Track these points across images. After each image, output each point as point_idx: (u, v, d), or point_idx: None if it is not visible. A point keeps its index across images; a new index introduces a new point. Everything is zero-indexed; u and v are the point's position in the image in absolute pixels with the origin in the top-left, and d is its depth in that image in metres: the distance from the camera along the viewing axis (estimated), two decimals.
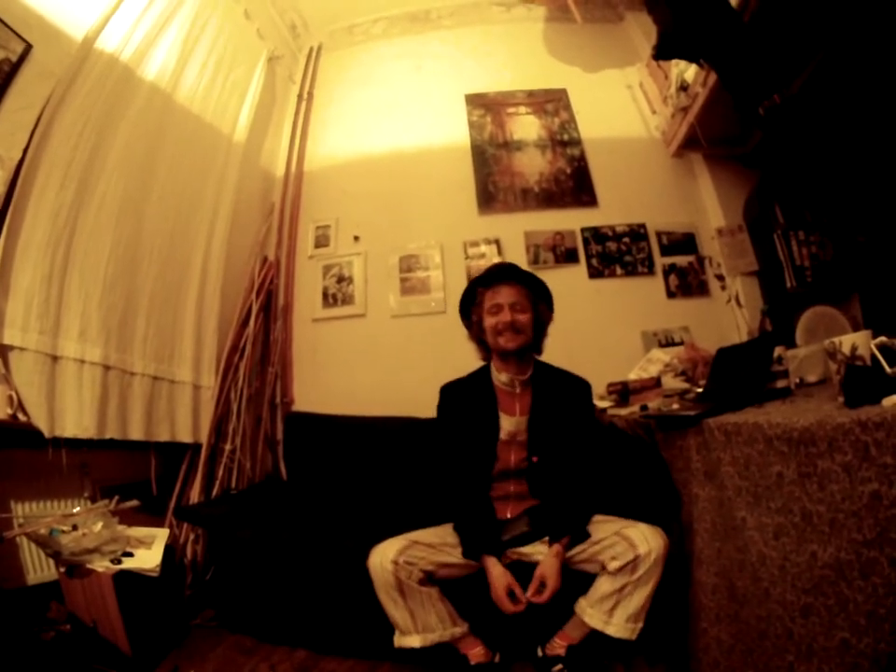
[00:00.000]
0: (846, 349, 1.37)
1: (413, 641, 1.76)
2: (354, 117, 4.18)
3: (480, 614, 1.89)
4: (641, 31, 2.97)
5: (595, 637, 1.77)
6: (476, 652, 1.85)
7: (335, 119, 4.22)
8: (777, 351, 1.80)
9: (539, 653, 1.87)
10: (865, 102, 2.83)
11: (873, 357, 1.18)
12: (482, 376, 2.12)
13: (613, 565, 1.69)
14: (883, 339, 1.22)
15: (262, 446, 3.33)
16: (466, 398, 2.08)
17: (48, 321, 2.32)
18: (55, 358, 2.33)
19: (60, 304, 2.38)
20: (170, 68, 3.06)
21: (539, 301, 2.08)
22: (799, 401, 1.55)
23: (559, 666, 1.79)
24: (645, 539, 1.68)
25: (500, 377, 2.06)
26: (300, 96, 4.26)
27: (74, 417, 2.34)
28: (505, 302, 1.99)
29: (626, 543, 1.70)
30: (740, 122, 2.50)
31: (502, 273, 2.09)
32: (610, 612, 1.70)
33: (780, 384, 1.74)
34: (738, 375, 1.80)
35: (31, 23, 2.37)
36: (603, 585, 1.73)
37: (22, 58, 2.33)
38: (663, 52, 2.77)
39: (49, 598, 2.15)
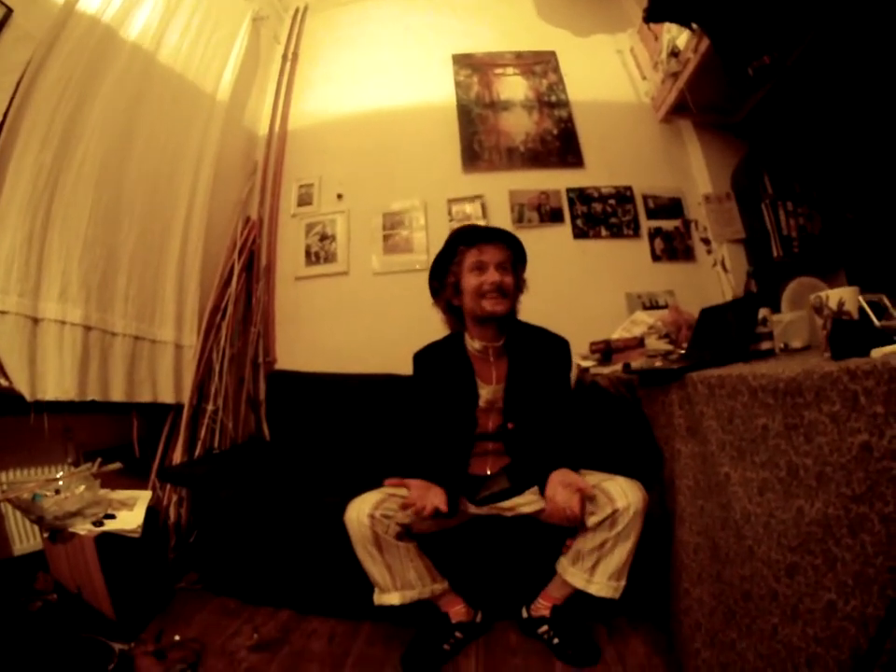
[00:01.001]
0: (832, 304, 1.34)
1: (393, 598, 1.75)
2: (339, 77, 4.11)
3: (460, 572, 1.90)
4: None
5: (578, 596, 1.77)
6: (457, 610, 1.84)
7: (320, 78, 4.15)
8: (763, 312, 1.77)
9: (524, 614, 1.87)
10: (858, 82, 2.79)
11: (861, 310, 1.15)
12: (454, 342, 2.05)
13: (592, 520, 1.67)
14: (869, 295, 1.19)
15: (245, 407, 3.29)
16: (440, 365, 2.03)
17: (28, 283, 2.27)
18: (36, 321, 2.29)
19: (40, 266, 2.33)
20: (153, 28, 3.00)
21: (520, 266, 2.02)
22: (784, 359, 1.54)
23: (545, 627, 1.79)
24: (623, 493, 1.66)
25: (474, 344, 1.99)
26: (284, 56, 4.16)
27: (55, 379, 2.30)
28: (490, 261, 1.90)
29: (604, 497, 1.67)
30: (730, 86, 2.47)
31: (489, 231, 1.99)
32: (592, 570, 1.69)
33: (764, 345, 1.71)
34: (722, 334, 1.76)
35: None
36: (583, 542, 1.71)
37: (3, 23, 2.26)
38: (654, 14, 2.76)
39: (36, 569, 2.12)
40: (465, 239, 1.96)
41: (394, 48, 4.12)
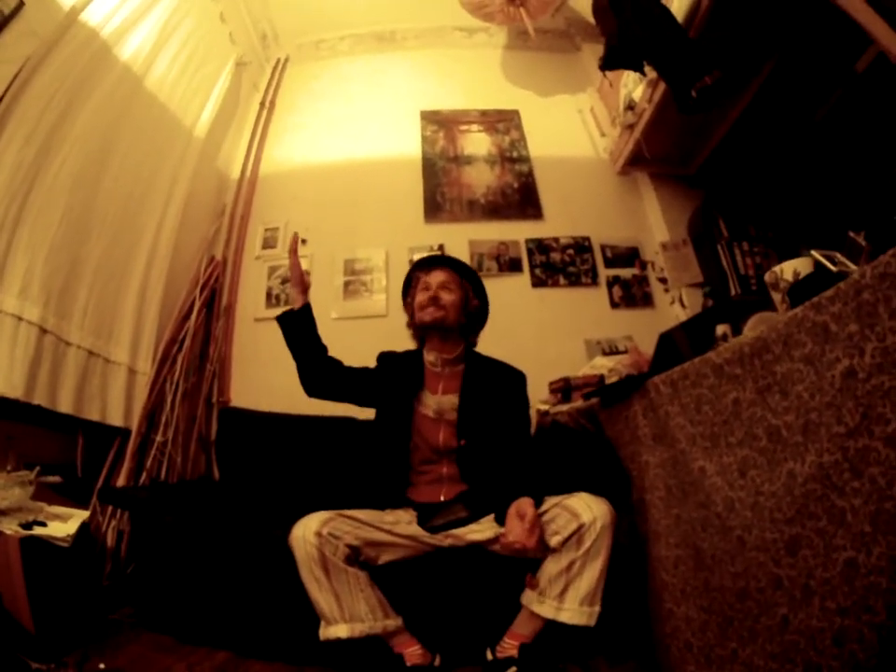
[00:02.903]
0: (788, 276, 1.30)
1: (340, 631, 1.56)
2: (312, 127, 4.20)
3: (416, 610, 1.72)
4: (595, 59, 2.98)
5: (549, 632, 1.61)
6: (412, 652, 1.64)
7: (294, 127, 4.23)
8: (722, 329, 1.70)
9: (489, 656, 1.67)
10: (803, 126, 3.02)
11: (816, 264, 1.08)
12: (415, 354, 2.15)
13: (556, 539, 1.55)
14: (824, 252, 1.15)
15: (195, 445, 3.15)
16: (396, 369, 2.10)
17: None
18: None
19: (6, 259, 2.29)
20: (144, 53, 3.11)
21: (468, 287, 2.14)
22: None
23: (513, 669, 1.58)
24: (588, 507, 1.54)
25: (428, 357, 2.09)
26: (262, 104, 4.28)
27: (3, 373, 2.20)
28: (433, 282, 2.07)
29: (568, 514, 1.56)
30: (680, 111, 2.61)
31: (436, 259, 2.21)
32: (561, 597, 1.54)
33: None
34: (679, 352, 1.70)
35: None
36: (549, 567, 1.57)
37: (14, 13, 2.36)
38: (609, 62, 2.89)
39: None
40: (419, 265, 2.20)
41: (366, 102, 4.26)
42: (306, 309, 2.10)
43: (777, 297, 1.33)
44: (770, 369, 0.97)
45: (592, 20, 2.95)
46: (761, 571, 1.03)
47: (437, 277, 2.08)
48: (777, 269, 1.32)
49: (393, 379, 2.05)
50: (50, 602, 1.85)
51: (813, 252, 1.15)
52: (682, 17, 2.57)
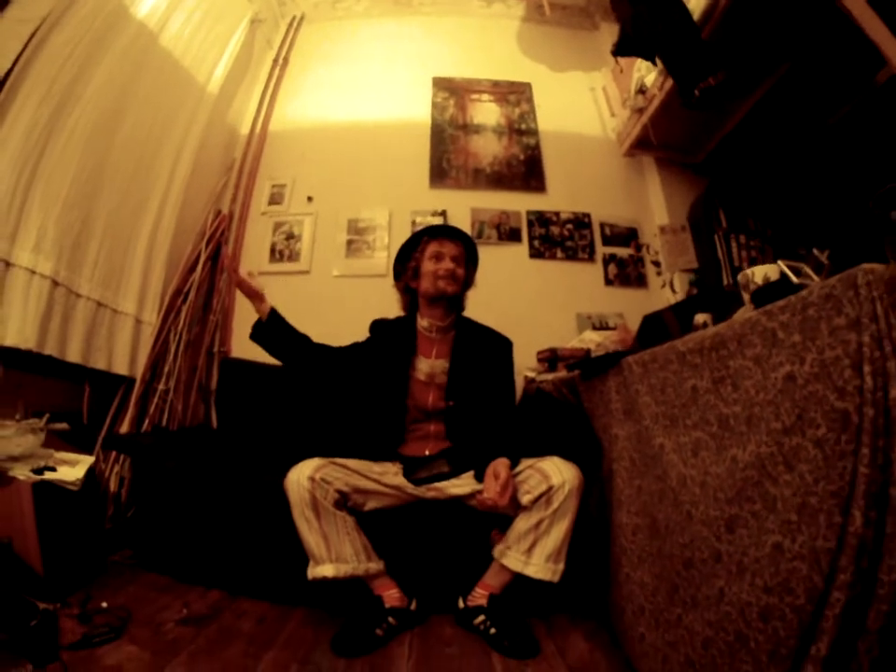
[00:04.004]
0: (758, 279, 1.39)
1: (327, 570, 1.70)
2: (324, 87, 4.20)
3: (397, 558, 1.86)
4: (612, 40, 2.99)
5: (517, 585, 1.75)
6: (391, 594, 1.80)
7: (306, 86, 4.23)
8: (703, 317, 1.79)
9: (461, 604, 1.82)
10: (812, 127, 3.06)
11: (781, 273, 1.18)
12: (408, 320, 2.23)
13: (527, 498, 1.69)
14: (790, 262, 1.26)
15: (196, 394, 3.24)
16: (389, 334, 2.21)
17: (7, 228, 2.29)
18: (8, 265, 2.29)
19: (21, 214, 2.35)
20: (160, 10, 3.12)
21: (470, 265, 2.23)
22: None
23: (481, 617, 1.73)
24: (558, 471, 1.69)
25: (422, 322, 2.18)
26: (275, 60, 4.25)
27: (17, 325, 2.29)
28: (448, 253, 2.13)
29: (540, 475, 1.70)
30: (684, 106, 2.66)
31: (450, 229, 2.23)
32: (529, 552, 1.68)
33: None
34: (658, 337, 1.80)
35: None
36: (519, 523, 1.71)
37: None
38: (622, 50, 2.94)
39: None
40: (429, 232, 2.20)
41: (378, 65, 4.24)
42: (273, 315, 2.10)
43: (746, 297, 1.44)
44: (725, 363, 1.08)
45: None
46: (704, 544, 1.14)
47: (451, 249, 2.14)
48: (748, 272, 1.42)
49: (388, 345, 2.14)
50: (58, 545, 1.94)
51: (780, 262, 1.25)
52: (699, 14, 2.59)
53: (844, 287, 0.82)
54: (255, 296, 2.05)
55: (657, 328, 1.85)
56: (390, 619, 1.73)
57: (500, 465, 1.73)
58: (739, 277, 1.48)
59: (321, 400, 2.83)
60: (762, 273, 1.38)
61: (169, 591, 2.05)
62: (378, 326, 2.27)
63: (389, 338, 2.18)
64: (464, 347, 2.12)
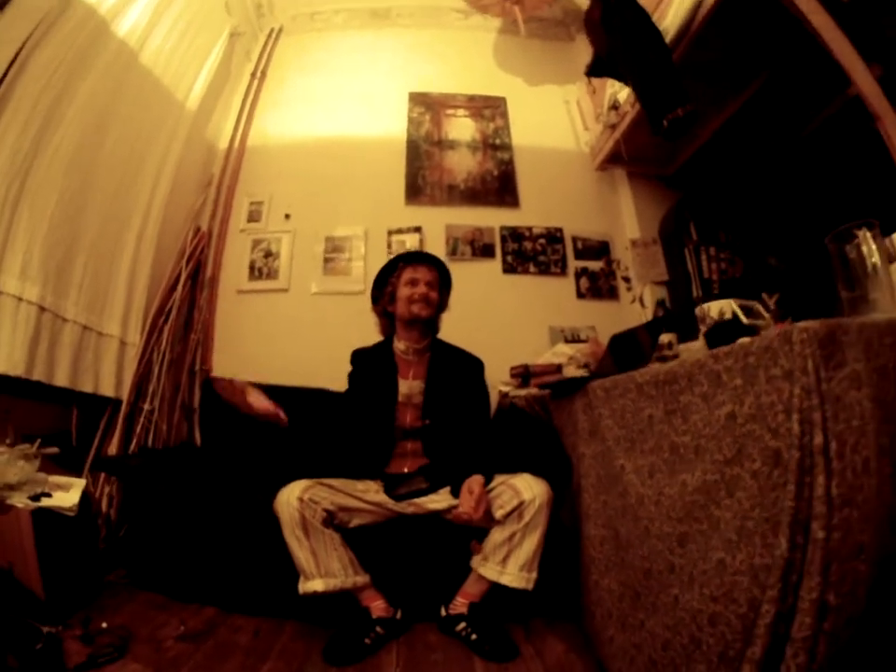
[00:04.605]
0: (714, 314, 1.55)
1: (317, 585, 1.83)
2: (301, 101, 4.27)
3: (381, 571, 1.98)
4: (588, 52, 3.08)
5: (494, 594, 1.89)
6: (378, 605, 1.93)
7: (283, 100, 4.29)
8: (668, 337, 1.96)
9: (443, 613, 1.96)
10: (794, 136, 3.17)
11: (733, 313, 1.31)
12: (385, 346, 2.37)
13: (500, 513, 1.83)
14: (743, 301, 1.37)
15: (179, 413, 3.32)
16: (370, 363, 2.33)
17: None
18: None
19: (6, 240, 2.40)
20: (141, 27, 3.17)
21: (444, 289, 2.37)
22: None
23: (462, 624, 1.87)
24: (529, 487, 1.84)
25: (399, 345, 2.32)
26: (253, 74, 4.31)
27: (5, 352, 2.35)
28: (422, 279, 2.28)
29: (511, 491, 1.85)
30: (654, 135, 2.73)
31: (424, 255, 2.42)
32: (503, 562, 1.82)
33: None
34: (626, 355, 1.94)
35: None
36: (494, 536, 1.86)
37: None
38: (595, 71, 3.09)
39: None
40: (405, 258, 2.37)
41: (356, 79, 4.31)
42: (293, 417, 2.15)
43: (702, 329, 1.58)
44: (676, 397, 1.22)
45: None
46: (660, 557, 1.29)
47: (425, 275, 2.28)
48: (705, 306, 1.59)
49: (371, 371, 2.28)
50: (57, 568, 2.01)
51: (732, 302, 1.39)
52: (674, 33, 2.70)
53: (781, 342, 0.95)
54: (276, 414, 2.10)
55: (631, 345, 2.00)
56: (378, 628, 1.85)
57: (474, 482, 1.88)
58: (696, 311, 1.63)
59: (306, 422, 2.94)
60: (717, 308, 1.53)
61: (165, 609, 2.13)
62: (359, 356, 2.39)
63: (371, 365, 2.31)
64: (439, 368, 2.27)
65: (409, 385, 2.23)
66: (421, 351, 2.31)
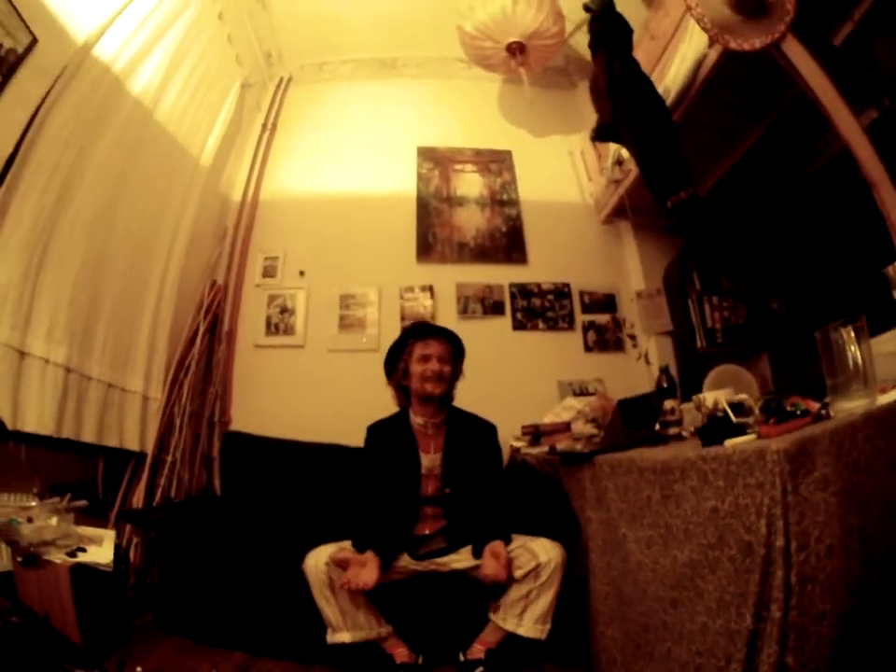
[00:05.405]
0: (709, 403, 1.82)
1: (344, 637, 2.08)
2: (311, 154, 4.49)
3: (403, 620, 2.22)
4: (589, 102, 3.26)
5: (510, 642, 2.11)
6: (400, 652, 2.16)
7: (294, 152, 4.51)
8: (671, 403, 2.24)
9: (461, 658, 2.18)
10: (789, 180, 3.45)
11: (724, 412, 1.59)
12: (401, 419, 2.51)
13: (518, 573, 2.05)
14: (735, 396, 1.65)
15: (199, 461, 3.52)
16: (389, 437, 2.47)
17: (20, 317, 2.47)
18: (23, 354, 2.49)
19: (32, 303, 2.54)
20: (154, 85, 3.32)
21: (457, 359, 2.52)
22: (674, 445, 1.99)
23: (480, 669, 2.09)
24: (545, 550, 2.07)
25: (417, 420, 2.46)
26: (264, 126, 4.56)
27: (35, 413, 2.50)
28: (434, 354, 2.41)
29: (529, 554, 2.08)
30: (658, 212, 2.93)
31: (434, 329, 2.55)
32: (521, 616, 2.05)
33: (672, 431, 2.16)
34: (633, 424, 2.21)
35: (40, 16, 2.53)
36: (512, 593, 2.08)
37: (27, 51, 2.49)
38: (600, 136, 3.29)
39: None
40: (414, 333, 2.52)
41: (364, 131, 4.59)
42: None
43: (699, 416, 1.85)
44: (671, 485, 1.47)
45: (589, 58, 3.21)
46: (655, 616, 1.55)
47: (436, 349, 2.41)
48: (701, 396, 1.87)
49: (392, 446, 2.42)
50: (92, 616, 2.20)
51: (723, 399, 1.67)
52: (675, 93, 2.91)
53: (757, 458, 1.18)
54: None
55: (638, 408, 2.27)
56: None
57: (498, 546, 2.10)
58: (693, 399, 1.91)
59: (318, 468, 3.24)
60: (711, 398, 1.81)
61: (194, 653, 2.32)
62: (377, 430, 2.51)
63: (390, 439, 2.44)
64: (456, 440, 2.42)
65: (430, 459, 2.39)
66: (438, 425, 2.44)
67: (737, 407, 1.59)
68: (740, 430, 1.46)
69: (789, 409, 1.50)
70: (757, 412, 1.56)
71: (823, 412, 1.42)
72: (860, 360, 1.37)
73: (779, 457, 1.13)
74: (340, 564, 2.07)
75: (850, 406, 1.35)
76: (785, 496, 1.12)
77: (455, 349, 2.51)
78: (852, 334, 1.38)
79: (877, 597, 1.14)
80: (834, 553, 1.12)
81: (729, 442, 1.39)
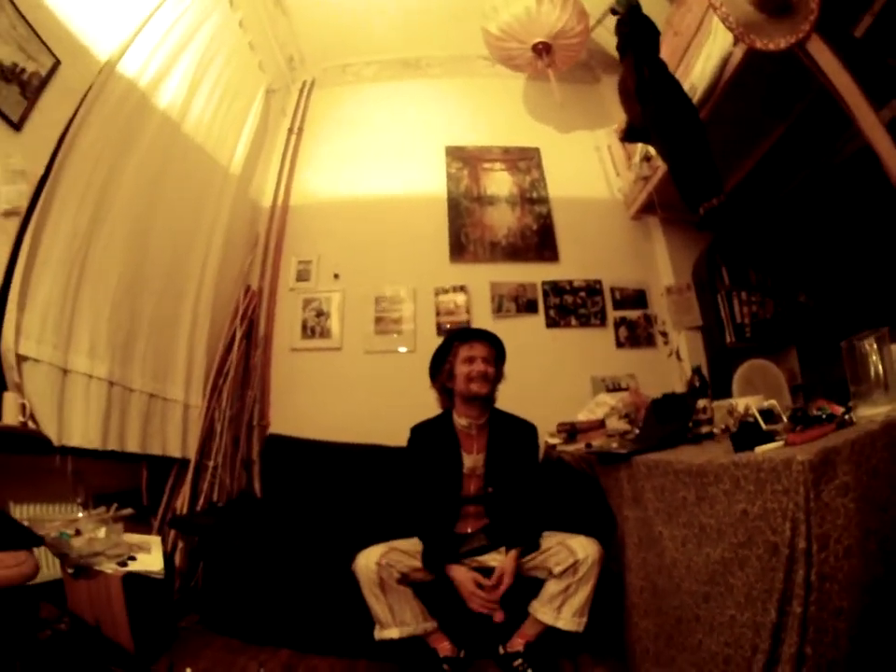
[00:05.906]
0: (741, 409, 1.92)
1: (392, 633, 2.21)
2: (339, 156, 4.61)
3: (447, 616, 2.34)
4: (615, 93, 3.29)
5: (547, 635, 2.24)
6: (444, 646, 2.29)
7: (322, 156, 4.63)
8: (703, 403, 2.36)
9: (501, 651, 2.30)
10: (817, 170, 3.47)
11: (754, 419, 1.71)
12: (444, 420, 2.63)
13: (557, 569, 2.18)
14: (765, 403, 1.77)
15: (239, 465, 3.67)
16: (432, 438, 2.59)
17: (61, 335, 2.57)
18: (66, 372, 2.59)
19: (72, 320, 2.64)
20: (181, 98, 3.44)
21: (499, 361, 2.64)
22: (707, 446, 2.09)
23: (519, 661, 2.21)
24: (583, 547, 2.19)
25: (461, 421, 2.57)
26: (290, 130, 4.69)
27: (80, 428, 2.60)
28: (479, 355, 2.53)
29: (567, 551, 2.20)
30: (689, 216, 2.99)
31: (479, 332, 2.68)
32: (559, 609, 2.17)
33: (704, 429, 2.26)
34: (665, 422, 2.33)
35: (61, 38, 2.60)
36: (551, 587, 2.21)
37: (51, 73, 2.56)
38: (629, 137, 3.38)
39: (37, 599, 2.16)
40: (459, 336, 2.64)
41: (390, 132, 4.70)
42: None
43: (731, 421, 1.95)
44: (705, 488, 1.58)
45: (613, 53, 3.26)
46: (688, 609, 1.67)
47: (480, 351, 2.53)
48: (733, 401, 1.98)
49: (436, 447, 2.54)
50: (143, 623, 2.30)
51: (754, 405, 1.79)
52: (701, 92, 2.95)
53: (784, 467, 1.28)
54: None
55: (679, 407, 2.40)
56: (445, 666, 2.23)
57: (509, 561, 2.27)
58: (726, 405, 2.03)
59: (359, 469, 3.37)
60: (743, 404, 1.91)
61: (242, 652, 2.43)
62: (420, 431, 2.63)
63: (434, 440, 2.55)
64: (498, 441, 2.52)
65: (473, 459, 2.50)
66: (482, 426, 2.54)
67: (767, 414, 1.70)
68: (769, 437, 1.56)
69: (815, 412, 1.62)
70: (785, 419, 1.68)
71: (847, 416, 1.53)
72: (881, 370, 1.49)
73: (804, 467, 1.23)
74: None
75: (872, 413, 1.46)
76: (808, 502, 1.22)
77: (497, 351, 2.63)
78: (874, 345, 1.50)
79: (892, 595, 1.26)
80: (852, 554, 1.23)
81: (759, 449, 1.50)
